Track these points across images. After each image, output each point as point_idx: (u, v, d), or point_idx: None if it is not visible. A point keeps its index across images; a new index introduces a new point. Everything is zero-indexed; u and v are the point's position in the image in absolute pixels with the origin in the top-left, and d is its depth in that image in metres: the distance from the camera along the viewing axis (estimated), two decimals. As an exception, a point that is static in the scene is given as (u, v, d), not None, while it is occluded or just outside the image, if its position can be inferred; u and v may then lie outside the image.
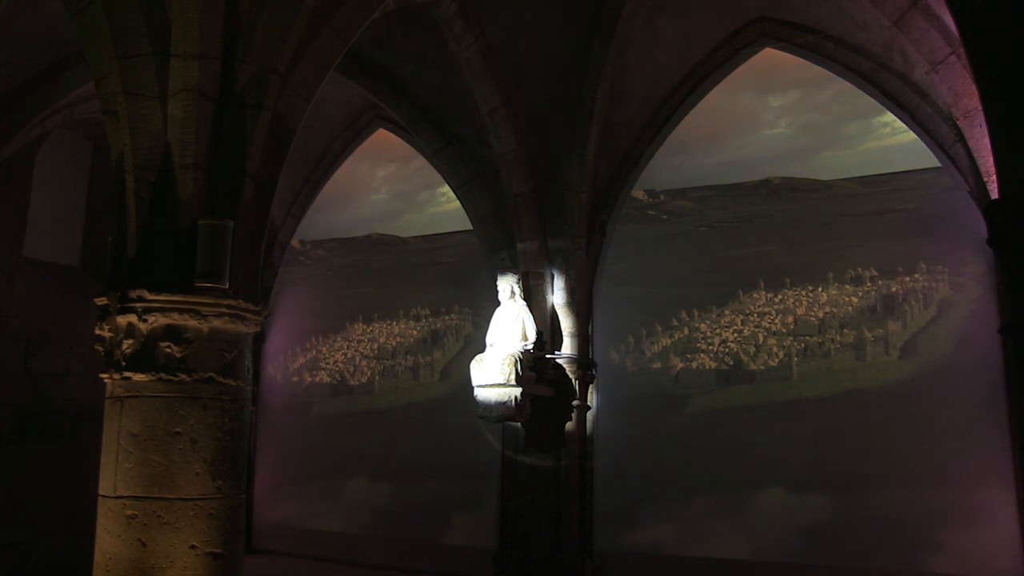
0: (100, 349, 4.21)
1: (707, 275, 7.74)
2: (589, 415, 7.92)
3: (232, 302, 4.13)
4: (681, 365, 7.72)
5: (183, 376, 4.03)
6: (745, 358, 7.43)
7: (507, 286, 7.80)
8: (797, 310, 7.32)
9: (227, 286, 4.11)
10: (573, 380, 7.81)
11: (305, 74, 4.56)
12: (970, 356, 6.49)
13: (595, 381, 8.00)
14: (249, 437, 4.51)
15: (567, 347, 7.90)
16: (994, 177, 5.28)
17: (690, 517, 7.36)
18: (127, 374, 4.01)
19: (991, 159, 4.43)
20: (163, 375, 4.00)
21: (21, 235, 8.21)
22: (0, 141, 7.47)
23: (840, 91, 7.30)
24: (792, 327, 7.31)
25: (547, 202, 7.96)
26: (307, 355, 10.09)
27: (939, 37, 6.07)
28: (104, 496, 4.00)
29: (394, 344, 9.46)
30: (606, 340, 8.10)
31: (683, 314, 7.78)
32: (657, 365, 7.83)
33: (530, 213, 7.97)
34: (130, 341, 4.04)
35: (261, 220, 4.44)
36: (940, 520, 6.35)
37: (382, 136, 9.72)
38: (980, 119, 5.92)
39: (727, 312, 7.61)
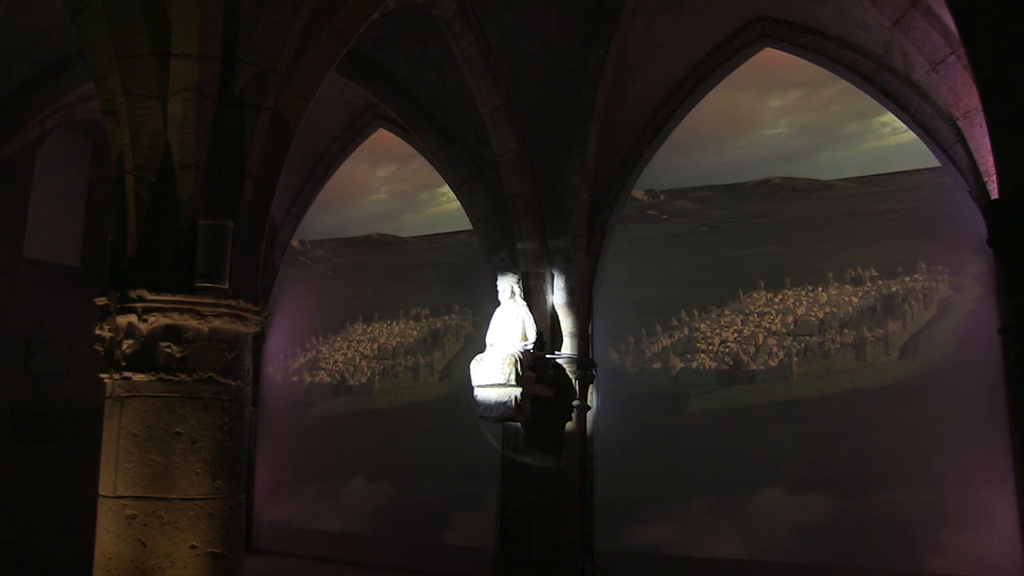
0: (100, 349, 4.22)
1: (707, 275, 7.74)
2: (589, 415, 7.91)
3: (232, 302, 4.14)
4: (681, 365, 7.72)
5: (183, 376, 4.03)
6: (745, 358, 7.43)
7: (507, 286, 7.80)
8: (797, 310, 7.32)
9: (227, 286, 4.11)
10: (573, 380, 7.80)
11: (305, 74, 4.56)
12: (970, 356, 6.49)
13: (595, 381, 7.99)
14: (249, 437, 4.51)
15: (567, 347, 7.90)
16: (994, 177, 5.27)
17: (690, 517, 7.35)
18: (127, 374, 4.02)
19: (991, 159, 4.42)
20: (163, 375, 4.00)
21: (21, 235, 8.22)
22: (0, 141, 7.47)
23: (840, 91, 7.29)
24: (792, 327, 7.31)
25: (547, 202, 7.96)
26: (307, 355, 10.09)
27: (939, 37, 6.06)
28: (104, 496, 4.01)
29: (394, 344, 9.46)
30: (606, 340, 8.09)
31: (683, 314, 7.78)
32: (657, 365, 7.82)
33: (530, 213, 7.96)
34: (130, 341, 4.04)
35: (261, 220, 4.44)
36: (940, 520, 6.34)
37: (382, 136, 9.72)
38: (980, 119, 5.91)
39: (727, 312, 7.60)
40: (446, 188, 9.01)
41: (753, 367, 7.38)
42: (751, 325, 7.48)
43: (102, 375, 4.14)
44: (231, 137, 4.25)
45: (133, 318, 4.01)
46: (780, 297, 7.40)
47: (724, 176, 7.82)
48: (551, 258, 7.99)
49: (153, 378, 4.00)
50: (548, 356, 7.76)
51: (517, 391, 7.24)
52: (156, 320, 4.01)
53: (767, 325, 7.41)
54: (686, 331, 7.76)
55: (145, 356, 4.02)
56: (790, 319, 7.33)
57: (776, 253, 7.48)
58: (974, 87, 5.09)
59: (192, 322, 4.06)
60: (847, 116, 7.31)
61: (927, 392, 6.61)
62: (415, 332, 9.36)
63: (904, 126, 6.94)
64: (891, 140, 7.10)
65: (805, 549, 6.81)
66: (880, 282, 7.02)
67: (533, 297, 7.89)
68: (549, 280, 7.99)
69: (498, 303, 7.87)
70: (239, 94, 4.26)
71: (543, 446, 7.73)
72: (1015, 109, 3.42)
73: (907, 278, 6.91)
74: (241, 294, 4.21)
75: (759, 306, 7.47)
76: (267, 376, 10.24)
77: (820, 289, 7.25)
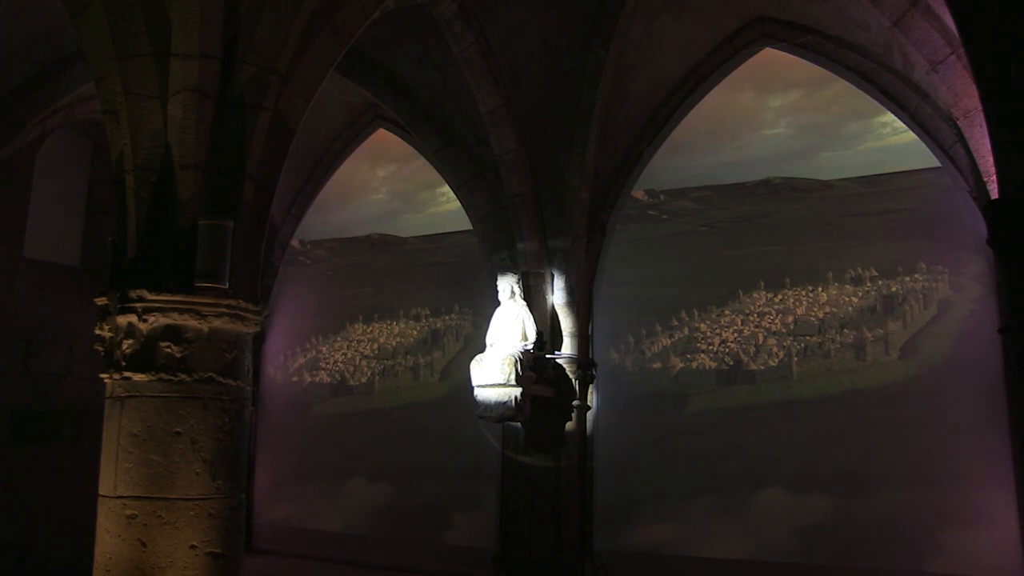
0: (100, 349, 4.22)
1: (707, 275, 7.74)
2: (589, 415, 7.91)
3: (232, 302, 4.14)
4: (681, 365, 7.72)
5: (183, 376, 4.03)
6: (745, 358, 7.43)
7: (507, 286, 7.81)
8: (797, 310, 7.31)
9: (227, 286, 4.11)
10: (573, 380, 7.80)
11: (305, 74, 4.56)
12: (970, 356, 6.49)
13: (595, 381, 7.99)
14: (249, 437, 4.51)
15: (567, 347, 7.90)
16: (994, 177, 5.28)
17: (690, 517, 7.35)
18: (127, 374, 4.02)
19: (991, 159, 4.43)
20: (163, 375, 4.00)
21: (21, 235, 8.22)
22: (0, 141, 7.47)
23: (840, 91, 7.29)
24: (792, 327, 7.31)
25: (547, 202, 7.96)
26: (307, 355, 10.09)
27: (939, 37, 6.06)
28: (104, 496, 4.01)
29: (394, 344, 9.46)
30: (606, 340, 8.09)
31: (683, 314, 7.78)
32: (657, 365, 7.82)
33: (530, 213, 7.96)
34: (130, 341, 4.04)
35: (261, 220, 4.44)
36: (940, 520, 6.34)
37: (382, 136, 9.72)
38: (980, 119, 5.92)
39: (727, 312, 7.60)
40: (446, 188, 9.01)
41: (753, 367, 7.38)
42: (751, 325, 7.48)
43: (102, 375, 4.14)
44: (231, 137, 4.25)
45: (133, 318, 4.01)
46: (780, 297, 7.40)
47: (724, 176, 7.82)
48: (551, 258, 7.99)
49: (153, 378, 4.00)
50: (548, 356, 7.76)
51: (517, 391, 7.24)
52: (156, 320, 4.01)
53: (767, 325, 7.41)
54: (686, 331, 7.76)
55: (145, 356, 4.02)
56: (790, 319, 7.33)
57: (776, 253, 7.48)
58: (974, 87, 5.09)
59: (192, 322, 4.06)
60: (847, 116, 7.31)
61: (927, 392, 6.61)
62: (415, 332, 9.36)
63: (904, 126, 6.94)
64: (891, 140, 7.10)
65: (805, 549, 6.81)
66: (880, 282, 7.02)
67: (533, 297, 7.90)
68: (549, 280, 7.99)
69: (498, 303, 7.87)
70: (239, 94, 4.26)
71: (543, 446, 7.73)
72: (1015, 109, 3.42)
73: (907, 278, 6.91)
74: (241, 294, 4.21)
75: (759, 306, 7.47)
76: (267, 376, 10.24)
77: (820, 289, 7.25)
